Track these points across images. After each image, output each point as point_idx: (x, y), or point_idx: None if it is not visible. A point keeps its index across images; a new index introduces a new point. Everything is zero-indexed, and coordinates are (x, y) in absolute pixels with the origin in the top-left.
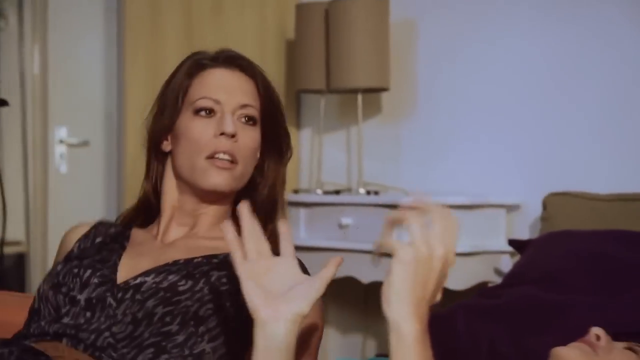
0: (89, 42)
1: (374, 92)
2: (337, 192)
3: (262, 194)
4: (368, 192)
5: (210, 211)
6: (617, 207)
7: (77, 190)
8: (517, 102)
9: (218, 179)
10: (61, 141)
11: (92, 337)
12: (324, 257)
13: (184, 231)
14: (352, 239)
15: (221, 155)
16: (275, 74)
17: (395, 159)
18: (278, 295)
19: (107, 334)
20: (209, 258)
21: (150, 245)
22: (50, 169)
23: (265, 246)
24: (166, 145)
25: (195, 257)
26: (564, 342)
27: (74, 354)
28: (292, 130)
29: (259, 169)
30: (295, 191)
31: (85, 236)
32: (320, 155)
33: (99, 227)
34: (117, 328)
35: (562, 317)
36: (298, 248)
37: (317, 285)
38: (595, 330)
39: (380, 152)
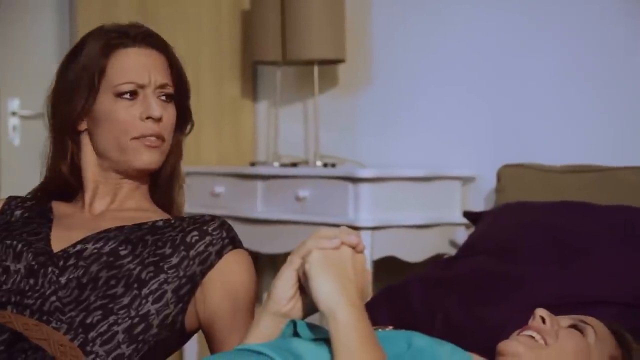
0: (41, 13)
1: (330, 63)
2: (294, 165)
3: (166, 167)
4: (325, 165)
5: (132, 183)
6: (570, 179)
7: (30, 163)
8: (472, 74)
9: (150, 157)
10: (14, 113)
11: (38, 302)
12: (281, 230)
13: (108, 201)
14: (309, 211)
15: (149, 138)
16: (230, 45)
17: (351, 131)
18: (295, 299)
19: (53, 298)
20: (139, 225)
21: (79, 217)
22: (3, 141)
23: None
24: (82, 125)
25: (126, 225)
26: (518, 312)
27: (21, 319)
28: (248, 103)
29: None
30: (252, 164)
31: (1, 213)
32: (276, 127)
33: (11, 202)
34: (63, 293)
35: (516, 287)
36: (255, 221)
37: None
38: (540, 312)
39: (336, 124)
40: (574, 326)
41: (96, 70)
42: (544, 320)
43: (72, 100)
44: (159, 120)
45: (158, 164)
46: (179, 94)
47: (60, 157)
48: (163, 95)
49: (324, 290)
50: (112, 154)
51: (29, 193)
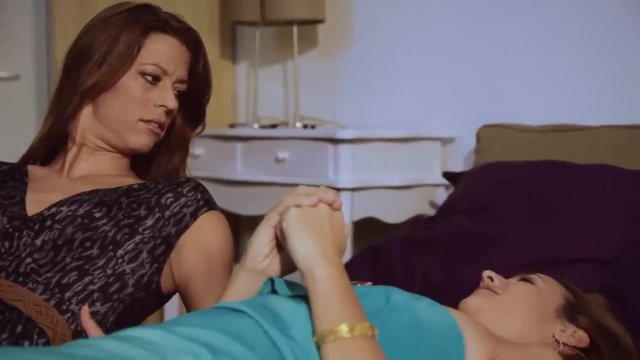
0: None
1: (309, 24)
2: (273, 126)
3: (170, 163)
4: (305, 126)
5: (116, 153)
6: (549, 138)
7: (8, 125)
8: (452, 35)
9: (147, 141)
10: None
11: (14, 264)
12: (260, 192)
13: (89, 167)
14: (288, 173)
15: (154, 124)
16: (209, 5)
17: (331, 92)
18: (271, 256)
19: (28, 260)
20: (114, 188)
21: (55, 180)
22: None
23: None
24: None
25: (101, 188)
26: (496, 271)
27: None
28: (227, 64)
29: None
30: (232, 125)
31: None
32: (256, 89)
33: None
34: (39, 255)
35: (494, 246)
36: (235, 182)
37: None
38: (487, 273)
39: (316, 86)
40: (522, 279)
41: (136, 45)
42: (492, 280)
43: (101, 66)
44: (169, 111)
45: (149, 149)
46: (198, 93)
47: (63, 111)
48: (177, 90)
49: (302, 248)
50: (112, 124)
51: (20, 159)
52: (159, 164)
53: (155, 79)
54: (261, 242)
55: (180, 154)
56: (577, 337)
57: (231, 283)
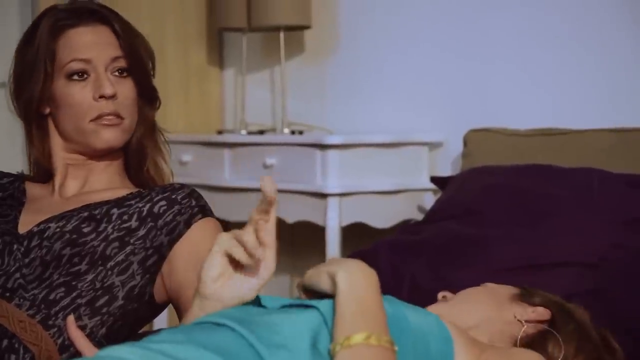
0: None
1: (296, 29)
2: (261, 132)
3: (132, 142)
4: (292, 132)
5: (102, 162)
6: (536, 142)
7: None
8: (438, 39)
9: (109, 135)
10: None
11: (2, 279)
12: (248, 198)
13: (80, 184)
14: (276, 179)
15: (107, 117)
16: (196, 12)
17: (319, 98)
18: (228, 275)
19: (17, 275)
20: (105, 201)
21: (48, 201)
22: None
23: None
24: (45, 109)
25: (91, 203)
26: (483, 275)
27: None
28: (214, 70)
29: None
30: (219, 132)
31: None
32: (243, 95)
33: None
34: (27, 270)
35: (481, 250)
36: (222, 189)
37: (263, 275)
38: (442, 294)
39: (304, 91)
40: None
41: (47, 54)
42: (445, 299)
43: (29, 86)
44: (112, 97)
45: (120, 141)
46: (135, 66)
47: (32, 145)
48: (117, 70)
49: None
50: (74, 137)
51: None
52: (130, 145)
53: (83, 74)
54: (211, 266)
55: (140, 130)
56: (538, 312)
57: (190, 309)
